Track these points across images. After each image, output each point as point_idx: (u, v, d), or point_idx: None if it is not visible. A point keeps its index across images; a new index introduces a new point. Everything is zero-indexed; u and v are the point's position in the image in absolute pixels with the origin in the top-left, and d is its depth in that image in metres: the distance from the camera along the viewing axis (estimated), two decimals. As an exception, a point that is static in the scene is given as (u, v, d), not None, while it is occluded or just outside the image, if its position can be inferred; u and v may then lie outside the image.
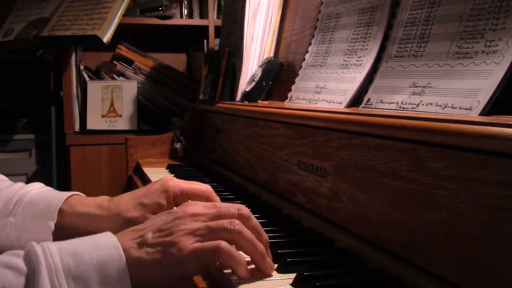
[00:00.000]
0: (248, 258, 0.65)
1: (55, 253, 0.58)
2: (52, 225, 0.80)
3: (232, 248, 0.61)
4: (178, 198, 0.83)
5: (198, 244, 0.61)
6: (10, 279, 0.55)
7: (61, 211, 0.81)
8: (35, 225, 0.81)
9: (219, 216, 0.65)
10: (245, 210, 0.67)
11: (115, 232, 0.77)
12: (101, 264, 0.58)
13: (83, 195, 0.87)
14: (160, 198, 0.81)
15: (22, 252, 0.59)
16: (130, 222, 0.78)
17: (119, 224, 0.78)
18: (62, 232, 0.81)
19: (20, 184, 0.88)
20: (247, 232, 0.63)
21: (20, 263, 0.57)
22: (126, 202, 0.82)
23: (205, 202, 0.83)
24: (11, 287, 0.55)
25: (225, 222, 0.63)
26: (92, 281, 0.57)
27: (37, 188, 0.87)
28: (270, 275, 0.65)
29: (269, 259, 0.65)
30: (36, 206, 0.82)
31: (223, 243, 0.61)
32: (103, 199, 0.84)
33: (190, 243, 0.61)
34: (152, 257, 0.60)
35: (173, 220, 0.64)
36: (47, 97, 2.27)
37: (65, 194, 0.84)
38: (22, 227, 0.81)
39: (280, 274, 0.66)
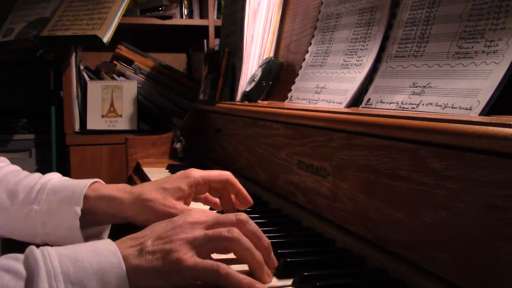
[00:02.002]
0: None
1: (54, 258, 0.57)
2: (78, 210, 0.82)
3: (230, 271, 0.60)
4: (199, 186, 0.85)
5: (199, 261, 0.61)
6: (8, 282, 0.55)
7: (85, 196, 0.83)
8: (61, 211, 0.82)
9: (217, 223, 0.65)
10: (243, 215, 0.67)
11: (135, 214, 0.80)
12: (100, 270, 0.58)
13: (103, 182, 0.89)
14: (181, 183, 0.83)
15: (21, 256, 0.59)
16: (150, 203, 0.80)
17: (140, 206, 0.81)
18: (86, 217, 0.83)
19: (39, 174, 0.90)
20: (245, 240, 0.63)
21: (20, 267, 0.57)
22: (148, 187, 0.84)
23: (225, 188, 0.86)
24: None
25: (223, 230, 0.63)
26: (91, 287, 0.57)
27: (57, 177, 0.89)
28: (267, 282, 0.64)
29: (266, 268, 0.64)
30: (60, 193, 0.84)
31: (222, 267, 0.60)
32: (126, 185, 0.86)
33: (190, 255, 0.61)
34: (151, 265, 0.60)
35: (172, 228, 0.64)
36: (47, 97, 2.27)
37: (89, 181, 0.86)
38: (47, 213, 0.83)
39: (280, 274, 0.66)
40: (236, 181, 0.86)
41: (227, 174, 0.86)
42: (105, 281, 0.58)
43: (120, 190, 0.84)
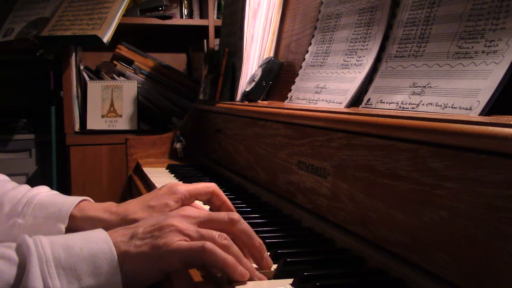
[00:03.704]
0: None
1: (46, 245, 0.59)
2: (63, 228, 0.81)
3: (216, 249, 0.61)
4: (186, 200, 0.84)
5: (185, 242, 0.62)
6: (2, 268, 0.57)
7: (71, 216, 0.82)
8: (45, 227, 0.81)
9: (209, 220, 0.66)
10: (235, 214, 0.67)
11: None
12: (91, 256, 0.59)
13: (92, 200, 0.87)
14: (168, 199, 0.82)
15: (14, 244, 0.60)
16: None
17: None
18: None
19: (27, 187, 0.89)
20: (233, 247, 0.64)
21: (12, 253, 0.58)
22: (134, 206, 0.83)
23: (211, 200, 0.85)
24: (2, 276, 0.56)
25: (214, 234, 0.63)
26: (82, 271, 0.58)
27: (46, 191, 0.88)
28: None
29: (258, 273, 0.64)
30: (46, 209, 0.83)
31: (208, 244, 0.61)
32: (111, 204, 0.85)
33: (177, 240, 0.62)
34: (139, 250, 0.62)
35: (165, 219, 0.65)
36: (47, 97, 2.27)
37: (76, 199, 0.85)
38: (31, 228, 0.82)
39: (280, 274, 0.66)
40: (221, 193, 0.86)
41: (212, 186, 0.85)
42: (96, 265, 0.59)
43: (105, 210, 0.83)
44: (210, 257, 0.61)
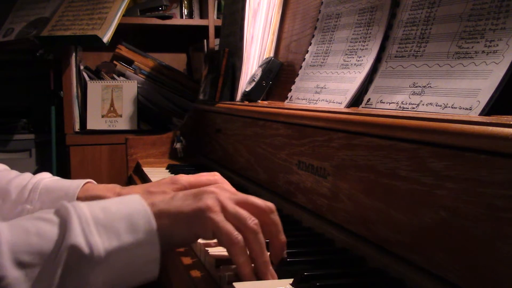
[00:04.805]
0: None
1: (84, 206, 0.61)
2: None
3: (244, 250, 0.63)
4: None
5: (224, 220, 0.63)
6: (43, 227, 0.59)
7: (77, 198, 0.84)
8: None
9: (246, 201, 0.67)
10: (272, 205, 0.69)
11: None
12: (127, 214, 0.62)
13: (95, 182, 0.89)
14: (168, 188, 0.84)
15: (51, 210, 0.62)
16: None
17: None
18: None
19: (29, 174, 0.90)
20: (260, 236, 0.65)
21: (52, 216, 0.61)
22: (137, 190, 0.85)
23: None
24: (45, 234, 0.58)
25: (247, 215, 0.65)
26: (121, 228, 0.60)
27: (49, 177, 0.90)
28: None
29: (271, 269, 0.65)
30: (52, 193, 0.85)
31: (241, 240, 0.62)
32: (116, 185, 0.87)
33: (219, 209, 0.64)
34: (179, 209, 0.64)
35: (205, 188, 0.68)
36: (47, 97, 2.27)
37: (81, 181, 0.87)
38: None
39: (280, 274, 0.66)
40: (226, 182, 0.86)
41: (215, 179, 0.86)
42: (133, 222, 0.61)
43: (109, 190, 0.85)
44: (236, 251, 0.62)
